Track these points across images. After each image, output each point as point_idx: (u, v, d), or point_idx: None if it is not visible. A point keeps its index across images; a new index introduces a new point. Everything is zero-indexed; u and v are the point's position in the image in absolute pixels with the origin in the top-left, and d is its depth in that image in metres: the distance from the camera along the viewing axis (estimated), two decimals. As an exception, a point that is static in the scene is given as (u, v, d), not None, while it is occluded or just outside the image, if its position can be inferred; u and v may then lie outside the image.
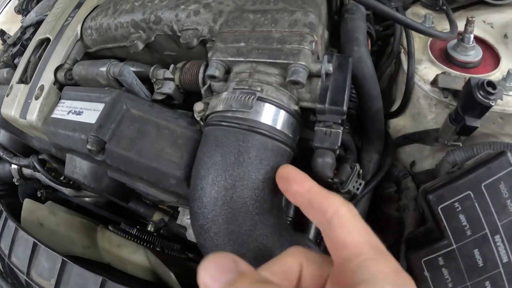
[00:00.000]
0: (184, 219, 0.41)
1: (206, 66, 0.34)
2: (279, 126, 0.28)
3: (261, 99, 0.27)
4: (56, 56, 0.49)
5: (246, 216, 0.25)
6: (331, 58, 0.29)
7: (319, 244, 0.37)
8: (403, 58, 0.44)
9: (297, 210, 0.30)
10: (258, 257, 0.26)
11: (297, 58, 0.28)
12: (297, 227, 0.37)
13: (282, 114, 0.28)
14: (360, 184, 0.34)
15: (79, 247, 0.55)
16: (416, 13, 0.53)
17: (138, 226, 0.61)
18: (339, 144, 0.27)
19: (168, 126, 0.33)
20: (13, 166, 0.68)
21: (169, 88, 0.37)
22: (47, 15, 0.65)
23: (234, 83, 0.29)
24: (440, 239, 0.32)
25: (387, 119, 0.47)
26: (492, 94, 0.31)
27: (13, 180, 0.69)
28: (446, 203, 0.31)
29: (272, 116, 0.27)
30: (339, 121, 0.27)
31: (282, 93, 0.28)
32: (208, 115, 0.29)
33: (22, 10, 0.93)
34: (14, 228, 0.47)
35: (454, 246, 0.32)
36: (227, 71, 0.31)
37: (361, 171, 0.34)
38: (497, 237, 0.31)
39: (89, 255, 0.55)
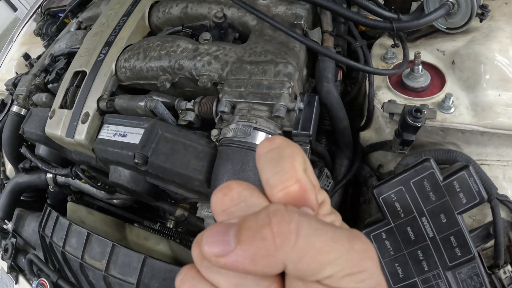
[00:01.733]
0: (202, 212, 0.59)
1: (218, 102, 0.53)
2: (268, 145, 0.47)
3: (256, 128, 0.46)
4: (96, 88, 0.68)
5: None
6: (302, 97, 0.48)
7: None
8: (367, 85, 0.62)
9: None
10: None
11: (279, 100, 0.47)
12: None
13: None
14: (330, 183, 0.52)
15: (113, 240, 0.74)
16: (383, 44, 0.71)
17: (158, 224, 0.80)
18: (307, 156, 0.45)
19: (192, 145, 0.52)
20: (49, 175, 0.88)
21: (191, 117, 0.56)
22: (77, 47, 0.84)
23: (238, 116, 0.48)
24: (382, 220, 0.50)
25: (357, 132, 0.66)
26: (419, 118, 0.49)
27: (49, 187, 0.89)
28: (385, 194, 0.50)
29: (263, 139, 0.46)
30: (308, 141, 0.46)
31: (270, 123, 0.47)
32: (221, 139, 0.48)
33: (42, 34, 1.13)
34: (67, 224, 0.67)
35: (392, 224, 0.50)
36: (233, 107, 0.50)
37: (328, 173, 0.52)
38: (423, 219, 0.49)
39: (122, 247, 0.74)
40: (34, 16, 1.28)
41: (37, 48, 1.18)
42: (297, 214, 0.15)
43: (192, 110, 0.56)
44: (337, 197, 0.58)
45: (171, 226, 0.78)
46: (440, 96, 0.62)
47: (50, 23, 1.13)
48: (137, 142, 0.54)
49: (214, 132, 0.49)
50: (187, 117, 0.56)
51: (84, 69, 0.74)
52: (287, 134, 0.49)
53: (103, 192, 0.76)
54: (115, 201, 0.81)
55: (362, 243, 0.16)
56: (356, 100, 0.72)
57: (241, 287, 0.16)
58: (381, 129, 0.62)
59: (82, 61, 0.76)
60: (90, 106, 0.67)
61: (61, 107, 0.74)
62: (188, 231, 0.79)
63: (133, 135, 0.56)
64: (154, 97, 0.58)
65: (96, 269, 0.59)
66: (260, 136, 0.46)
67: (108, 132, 0.61)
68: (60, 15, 1.17)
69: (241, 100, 0.49)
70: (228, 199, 0.18)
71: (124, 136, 0.57)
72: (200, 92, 0.58)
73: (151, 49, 0.61)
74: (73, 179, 0.78)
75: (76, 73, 0.76)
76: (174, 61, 0.57)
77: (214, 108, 0.53)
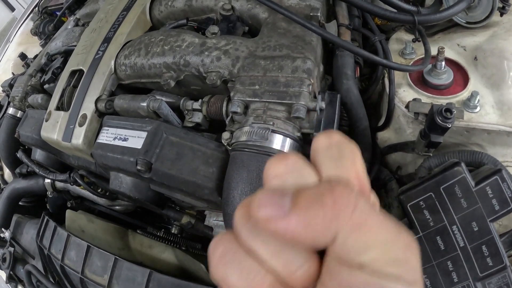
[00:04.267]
0: (211, 220, 0.53)
1: (228, 102, 0.47)
2: (286, 149, 0.40)
3: (273, 131, 0.40)
4: (94, 88, 0.62)
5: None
6: (323, 95, 0.42)
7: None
8: (386, 82, 0.56)
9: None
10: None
11: (299, 99, 0.41)
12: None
13: (288, 141, 0.41)
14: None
15: (115, 249, 0.68)
16: (400, 39, 0.65)
17: (163, 230, 0.74)
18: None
19: (200, 149, 0.46)
20: (47, 180, 0.82)
21: (198, 118, 0.50)
22: (74, 45, 0.78)
23: (252, 117, 0.42)
24: (410, 228, 0.45)
25: (375, 132, 0.60)
26: (449, 118, 0.44)
27: (47, 193, 0.82)
28: (414, 201, 0.44)
29: (281, 143, 0.40)
30: (331, 144, 0.40)
31: (288, 124, 0.41)
32: (233, 143, 0.42)
33: (39, 32, 1.06)
34: (66, 236, 0.60)
35: (421, 234, 0.44)
36: (246, 107, 0.44)
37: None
38: (454, 227, 0.44)
39: (124, 256, 0.68)
40: (31, 15, 1.20)
41: (34, 48, 1.11)
42: (356, 191, 0.15)
43: (200, 110, 0.50)
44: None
45: (175, 232, 0.72)
46: (464, 94, 0.56)
47: (47, 22, 1.06)
48: (139, 147, 0.48)
49: (226, 135, 0.43)
50: (194, 118, 0.50)
51: (81, 67, 0.67)
52: (306, 137, 0.43)
53: (103, 199, 0.70)
54: (117, 207, 0.75)
55: (408, 234, 0.16)
56: (369, 98, 0.67)
57: (278, 257, 0.16)
58: (402, 129, 0.56)
59: (79, 59, 0.70)
60: (88, 108, 0.60)
61: (57, 108, 0.67)
62: (193, 236, 0.73)
63: (135, 139, 0.50)
64: (158, 97, 0.52)
65: (98, 285, 0.53)
66: (278, 140, 0.40)
67: (108, 136, 0.54)
68: (57, 13, 1.10)
69: (255, 100, 0.42)
70: (283, 165, 0.17)
71: (125, 140, 0.51)
72: (208, 91, 0.52)
73: (154, 45, 0.55)
74: (71, 185, 0.71)
75: (73, 72, 0.69)
76: (179, 57, 0.50)
77: (224, 108, 0.47)
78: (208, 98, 0.50)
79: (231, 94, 0.45)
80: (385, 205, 0.58)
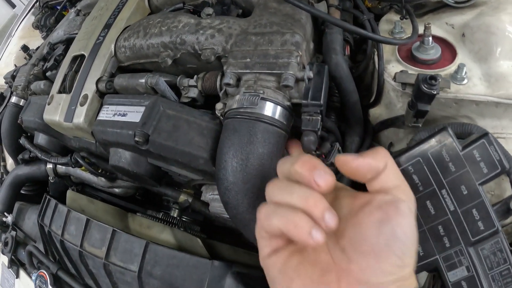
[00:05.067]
0: (207, 195, 0.55)
1: (222, 76, 0.49)
2: (276, 116, 0.42)
3: (263, 98, 0.42)
4: (95, 70, 0.64)
5: (257, 177, 0.40)
6: (311, 66, 0.44)
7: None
8: (376, 59, 0.58)
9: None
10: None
11: (287, 69, 0.43)
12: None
13: (279, 108, 0.43)
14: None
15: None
16: (390, 20, 0.67)
17: (162, 213, 0.76)
18: (318, 126, 0.41)
19: (196, 121, 0.48)
20: (49, 166, 0.84)
21: (193, 93, 0.52)
22: (75, 33, 0.80)
23: (244, 88, 0.44)
24: (399, 194, 0.46)
25: (367, 109, 0.62)
26: (434, 85, 0.45)
27: (49, 178, 0.84)
28: (402, 167, 0.45)
29: (271, 110, 0.42)
30: (318, 111, 0.41)
31: (278, 93, 0.43)
32: (226, 112, 0.44)
33: (41, 26, 1.09)
34: (66, 211, 0.62)
35: (410, 199, 0.46)
36: (238, 80, 0.46)
37: (340, 148, 0.48)
38: (443, 191, 0.45)
39: (124, 235, 0.70)
40: (32, 10, 1.23)
41: (36, 41, 1.14)
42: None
43: (195, 86, 0.52)
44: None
45: (175, 215, 0.74)
46: (452, 68, 0.58)
47: (49, 15, 1.09)
48: (137, 120, 0.50)
49: (219, 105, 0.45)
50: (189, 94, 0.52)
51: (82, 52, 0.70)
52: (296, 107, 0.45)
53: (103, 179, 0.72)
54: (116, 190, 0.77)
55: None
56: (363, 81, 0.68)
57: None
58: (392, 104, 0.58)
59: (80, 45, 0.72)
60: (89, 88, 0.62)
61: (60, 92, 0.70)
62: (194, 221, 0.75)
63: (134, 113, 0.52)
64: (158, 76, 0.54)
65: (96, 257, 0.55)
66: (268, 107, 0.42)
67: (108, 113, 0.56)
68: (58, 7, 1.13)
69: (246, 71, 0.44)
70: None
71: (124, 115, 0.53)
72: (203, 68, 0.54)
73: (152, 26, 0.57)
74: (73, 167, 0.73)
75: (75, 58, 0.72)
76: (176, 36, 0.52)
77: (218, 83, 0.49)
78: (203, 74, 0.52)
79: (224, 68, 0.47)
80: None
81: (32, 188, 1.01)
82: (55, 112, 0.67)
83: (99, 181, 0.74)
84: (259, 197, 0.40)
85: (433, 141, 0.45)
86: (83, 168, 0.72)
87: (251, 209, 0.40)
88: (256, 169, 0.40)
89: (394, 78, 0.52)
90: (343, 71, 0.51)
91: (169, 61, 0.53)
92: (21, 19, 1.24)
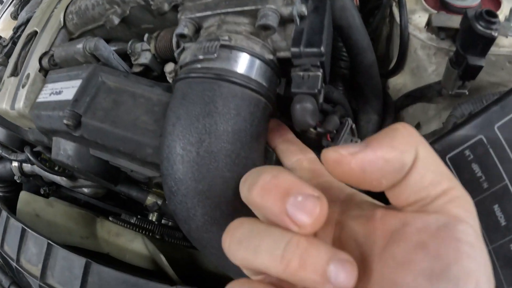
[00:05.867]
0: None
1: (178, 29, 0.34)
2: (253, 75, 0.27)
3: (227, 46, 0.27)
4: (41, 45, 0.51)
5: (216, 173, 0.25)
6: (305, 0, 0.28)
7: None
8: (395, 11, 0.42)
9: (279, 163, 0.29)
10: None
11: (266, 2, 0.27)
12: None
13: (256, 62, 0.27)
14: (356, 142, 0.32)
15: (77, 238, 0.57)
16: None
17: (138, 216, 0.62)
18: (318, 87, 0.25)
19: (144, 95, 0.34)
20: (14, 164, 0.72)
21: (145, 58, 0.37)
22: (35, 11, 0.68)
23: (203, 38, 0.29)
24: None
25: (385, 78, 0.45)
26: (493, 23, 0.29)
27: (15, 178, 0.73)
28: (455, 151, 0.29)
29: (243, 64, 0.27)
30: (318, 63, 0.26)
31: (253, 41, 0.28)
32: (176, 70, 0.29)
33: (17, 15, 0.99)
34: (5, 217, 0.50)
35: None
36: (198, 29, 0.31)
37: (354, 126, 0.32)
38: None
39: (87, 246, 0.57)
40: (13, 1, 1.14)
41: (15, 32, 1.03)
42: None
43: (148, 50, 0.37)
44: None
45: (154, 219, 0.60)
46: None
47: (24, 3, 0.98)
48: (71, 98, 0.36)
49: (169, 66, 0.31)
50: (141, 60, 0.38)
51: (35, 28, 0.57)
52: (285, 65, 0.29)
53: (64, 178, 0.59)
54: (85, 190, 0.64)
55: None
56: (376, 47, 0.52)
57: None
58: (421, 67, 0.41)
59: (35, 22, 0.60)
60: (32, 66, 0.50)
61: (11, 76, 0.58)
62: (176, 225, 0.61)
63: (69, 89, 0.38)
64: (98, 38, 0.40)
65: (32, 276, 0.42)
66: (237, 59, 0.27)
67: (46, 93, 0.43)
68: (37, -5, 1.02)
69: (207, 13, 0.30)
70: None
71: (59, 93, 0.40)
72: (161, 26, 0.39)
73: (98, -19, 0.43)
74: (31, 164, 0.61)
75: (30, 37, 0.59)
76: (122, -16, 0.38)
77: (174, 39, 0.34)
78: (158, 32, 0.38)
79: (179, 15, 0.32)
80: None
81: (8, 190, 0.90)
82: (2, 98, 0.55)
83: (61, 181, 0.61)
84: (221, 207, 0.25)
85: (502, 109, 0.28)
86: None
87: (209, 225, 0.25)
88: (214, 159, 0.25)
89: (429, 22, 0.35)
90: (352, 18, 0.35)
91: (116, 20, 0.39)
92: (2, 12, 1.14)
